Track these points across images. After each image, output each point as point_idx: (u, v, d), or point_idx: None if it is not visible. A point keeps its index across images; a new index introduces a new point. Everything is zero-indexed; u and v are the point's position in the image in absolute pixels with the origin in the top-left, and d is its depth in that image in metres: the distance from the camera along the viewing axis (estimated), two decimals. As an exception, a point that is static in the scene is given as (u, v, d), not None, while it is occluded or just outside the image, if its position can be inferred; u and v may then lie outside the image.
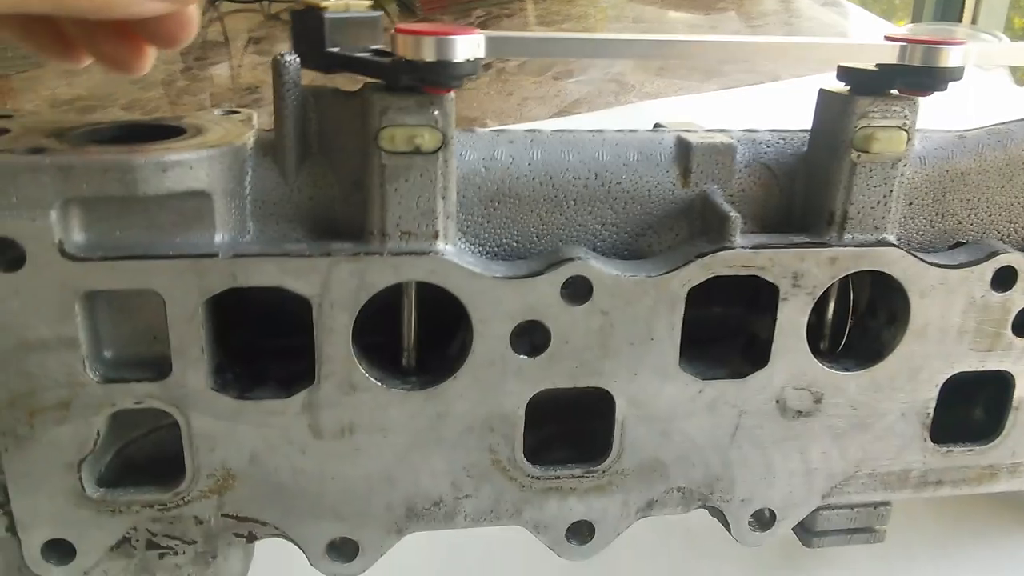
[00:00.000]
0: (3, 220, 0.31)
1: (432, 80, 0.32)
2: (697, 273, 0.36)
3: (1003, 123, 0.42)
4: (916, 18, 1.85)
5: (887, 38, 0.36)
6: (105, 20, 0.33)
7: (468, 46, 0.32)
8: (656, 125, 0.42)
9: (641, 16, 1.42)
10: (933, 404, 0.41)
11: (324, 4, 0.33)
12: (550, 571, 0.46)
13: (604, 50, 0.35)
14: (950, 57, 0.35)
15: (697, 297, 0.40)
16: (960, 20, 1.74)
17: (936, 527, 0.49)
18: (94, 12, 0.31)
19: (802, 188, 0.39)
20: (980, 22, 1.70)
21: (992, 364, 0.41)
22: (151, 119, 0.38)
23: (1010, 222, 0.42)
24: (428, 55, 0.31)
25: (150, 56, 0.36)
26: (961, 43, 0.35)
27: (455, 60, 0.32)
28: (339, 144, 0.35)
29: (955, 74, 0.36)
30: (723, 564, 0.47)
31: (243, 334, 0.39)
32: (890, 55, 0.36)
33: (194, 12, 0.33)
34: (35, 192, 0.31)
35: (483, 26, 1.35)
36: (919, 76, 0.36)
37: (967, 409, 0.45)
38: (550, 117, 0.99)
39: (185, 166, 0.33)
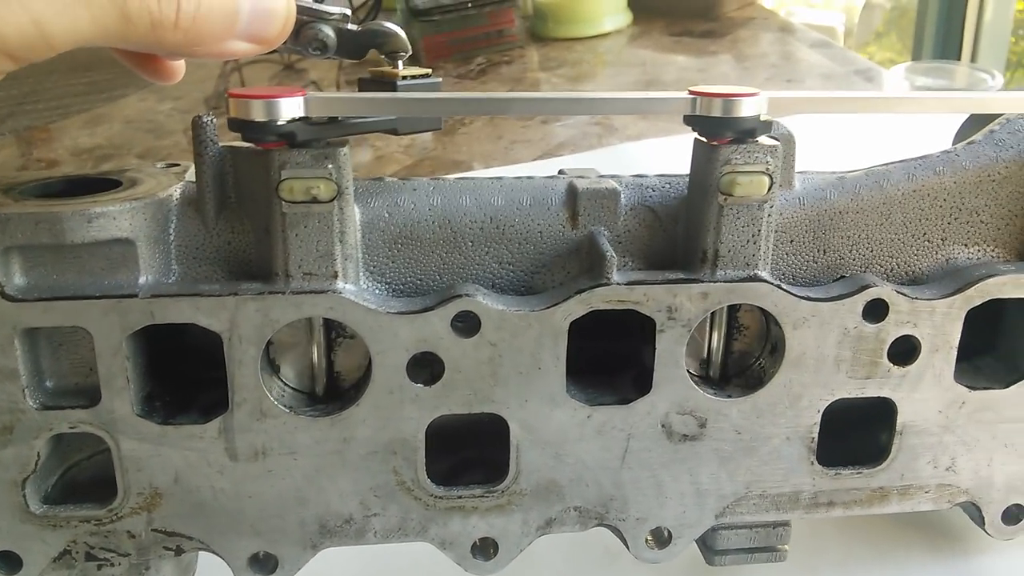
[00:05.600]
0: (-53, 266, 0.36)
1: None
2: (576, 307, 0.40)
3: (883, 164, 0.45)
4: (916, 56, 1.87)
5: (690, 92, 0.39)
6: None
7: (291, 107, 0.37)
8: (560, 171, 0.46)
9: (639, 60, 1.46)
10: (817, 429, 0.44)
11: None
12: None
13: (408, 108, 0.40)
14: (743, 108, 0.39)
15: (609, 331, 0.44)
16: (959, 58, 1.76)
17: (840, 547, 0.51)
18: (180, 51, 0.35)
19: (683, 229, 0.43)
20: (980, 59, 1.72)
21: (872, 391, 0.43)
22: (97, 174, 0.43)
23: (892, 257, 0.45)
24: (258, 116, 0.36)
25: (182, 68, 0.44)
26: (755, 93, 0.39)
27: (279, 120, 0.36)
28: (252, 195, 0.40)
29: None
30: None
31: (183, 368, 0.43)
32: (687, 107, 0.39)
33: None
34: (-24, 241, 0.36)
35: (483, 73, 1.40)
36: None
37: (875, 434, 0.47)
38: (534, 159, 1.03)
39: (108, 217, 0.37)
